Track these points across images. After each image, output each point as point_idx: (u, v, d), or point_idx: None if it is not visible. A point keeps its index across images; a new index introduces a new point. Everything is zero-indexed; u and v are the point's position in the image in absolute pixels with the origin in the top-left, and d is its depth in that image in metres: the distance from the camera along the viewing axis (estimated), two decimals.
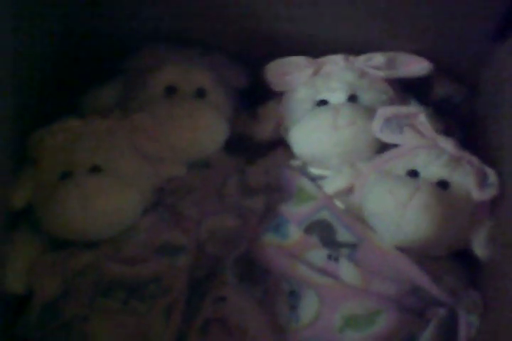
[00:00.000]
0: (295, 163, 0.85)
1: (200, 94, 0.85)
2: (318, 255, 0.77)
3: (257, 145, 0.89)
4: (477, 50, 0.86)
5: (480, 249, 0.76)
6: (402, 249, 0.76)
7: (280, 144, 0.87)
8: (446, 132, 0.83)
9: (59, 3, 0.85)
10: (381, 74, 0.85)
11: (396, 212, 0.74)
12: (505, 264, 0.72)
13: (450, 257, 0.79)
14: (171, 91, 0.85)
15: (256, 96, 0.91)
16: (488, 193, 0.75)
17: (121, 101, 0.85)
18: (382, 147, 0.81)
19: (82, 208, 0.74)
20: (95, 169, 0.77)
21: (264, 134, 0.88)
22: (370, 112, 0.81)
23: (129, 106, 0.84)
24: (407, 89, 0.88)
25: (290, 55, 0.87)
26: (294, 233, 0.79)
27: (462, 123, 0.89)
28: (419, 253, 0.76)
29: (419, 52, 0.86)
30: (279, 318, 0.76)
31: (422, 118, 0.80)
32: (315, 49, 0.87)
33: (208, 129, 0.82)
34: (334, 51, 0.87)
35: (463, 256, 0.79)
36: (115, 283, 0.75)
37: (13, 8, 0.74)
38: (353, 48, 0.87)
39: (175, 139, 0.81)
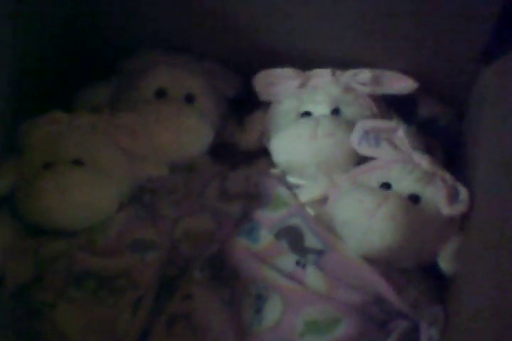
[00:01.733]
0: (275, 171, 0.87)
1: (189, 99, 0.88)
2: (287, 260, 0.78)
3: (242, 154, 0.91)
4: (465, 71, 0.88)
5: (445, 263, 0.77)
6: (369, 259, 0.77)
7: (262, 153, 0.89)
8: (429, 152, 0.84)
9: (59, 2, 0.88)
10: (366, 90, 0.87)
11: (363, 221, 0.75)
12: (468, 280, 0.73)
13: (418, 270, 0.79)
14: (160, 94, 0.88)
15: (249, 105, 0.93)
16: (457, 209, 0.76)
17: (112, 101, 0.88)
18: (361, 160, 0.83)
19: (58, 197, 0.76)
20: (76, 162, 0.79)
21: (248, 143, 0.91)
22: (350, 125, 0.83)
23: (119, 106, 0.87)
24: (393, 107, 0.90)
25: (282, 66, 0.89)
26: (265, 238, 0.80)
27: (448, 146, 0.90)
28: (385, 264, 0.77)
29: (407, 72, 0.88)
30: (243, 320, 0.77)
31: (400, 133, 0.81)
32: (306, 62, 0.89)
33: (191, 132, 0.85)
34: (324, 65, 0.89)
35: (433, 271, 0.80)
36: (86, 273, 0.76)
37: (13, 5, 0.78)
38: (343, 63, 0.89)
39: (158, 140, 0.83)
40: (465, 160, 0.85)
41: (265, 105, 0.91)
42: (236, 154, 0.91)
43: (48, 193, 0.76)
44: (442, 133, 0.91)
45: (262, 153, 0.89)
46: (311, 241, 0.78)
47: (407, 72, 0.88)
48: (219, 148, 0.90)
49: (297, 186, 0.84)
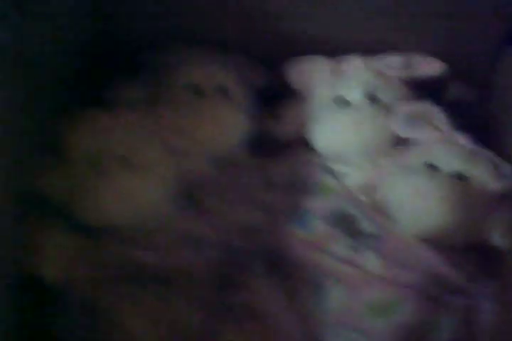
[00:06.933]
0: (317, 160, 0.87)
1: (223, 92, 0.88)
2: (343, 247, 0.79)
3: (279, 144, 0.91)
4: (491, 52, 0.89)
5: (499, 238, 0.78)
6: (423, 239, 0.78)
7: (301, 143, 0.89)
8: None
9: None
10: (397, 74, 0.88)
11: (416, 203, 0.77)
12: None
13: (467, 249, 0.80)
14: (194, 89, 0.87)
15: (272, 96, 0.93)
16: (504, 184, 0.78)
17: (147, 97, 0.87)
18: (400, 143, 0.84)
19: (114, 200, 0.77)
20: (123, 160, 0.79)
21: (286, 134, 0.91)
22: (387, 109, 0.84)
23: (155, 102, 0.86)
24: (421, 89, 0.91)
25: (306, 55, 0.90)
26: (319, 226, 0.80)
27: (475, 126, 0.91)
28: (438, 243, 0.78)
29: (433, 54, 0.89)
30: (305, 310, 0.77)
31: (438, 114, 0.82)
32: (331, 49, 0.90)
33: (229, 124, 0.85)
34: (350, 51, 0.90)
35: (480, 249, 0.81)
36: (143, 271, 0.76)
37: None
38: (369, 49, 0.90)
39: (198, 133, 0.83)
40: (492, 141, 0.87)
41: (294, 95, 0.92)
42: (273, 145, 0.91)
43: (100, 194, 0.76)
44: (470, 114, 0.92)
45: (299, 142, 0.90)
46: (365, 226, 0.79)
47: (434, 53, 0.89)
48: (255, 141, 0.89)
49: (341, 173, 0.85)
